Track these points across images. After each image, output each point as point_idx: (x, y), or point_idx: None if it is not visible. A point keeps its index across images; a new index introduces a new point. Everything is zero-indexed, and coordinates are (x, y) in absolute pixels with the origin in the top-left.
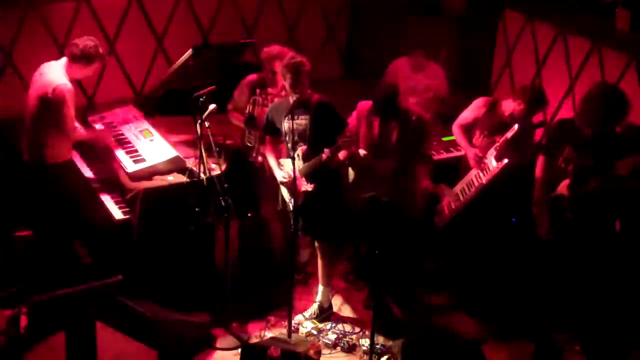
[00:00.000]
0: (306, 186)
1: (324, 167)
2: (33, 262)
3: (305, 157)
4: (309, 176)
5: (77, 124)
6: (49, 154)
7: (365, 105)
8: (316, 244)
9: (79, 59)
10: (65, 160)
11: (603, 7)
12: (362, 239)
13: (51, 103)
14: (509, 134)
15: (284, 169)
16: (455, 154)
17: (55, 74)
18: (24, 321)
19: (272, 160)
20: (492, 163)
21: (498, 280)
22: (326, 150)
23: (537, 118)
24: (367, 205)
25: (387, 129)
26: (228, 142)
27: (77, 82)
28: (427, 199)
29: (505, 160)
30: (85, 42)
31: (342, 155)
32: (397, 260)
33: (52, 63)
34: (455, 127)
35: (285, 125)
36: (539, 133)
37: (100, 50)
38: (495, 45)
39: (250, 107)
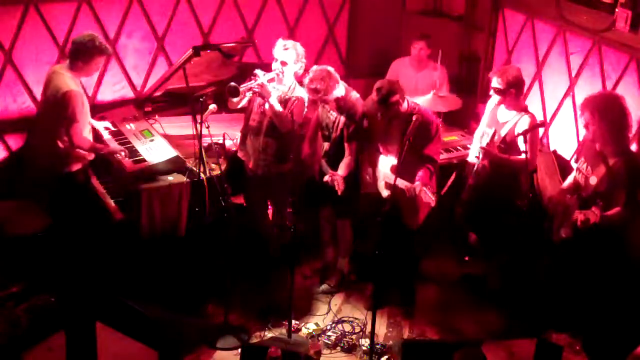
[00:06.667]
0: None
1: None
2: (34, 262)
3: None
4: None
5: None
6: (62, 163)
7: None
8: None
9: (77, 56)
10: (78, 169)
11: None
12: (363, 238)
13: (59, 109)
14: (490, 134)
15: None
16: (456, 154)
17: (61, 79)
18: (24, 321)
19: None
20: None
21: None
22: None
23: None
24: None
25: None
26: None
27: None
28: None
29: (478, 162)
30: (81, 37)
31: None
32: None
33: (57, 68)
34: None
35: None
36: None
37: (97, 42)
38: (495, 45)
39: None
